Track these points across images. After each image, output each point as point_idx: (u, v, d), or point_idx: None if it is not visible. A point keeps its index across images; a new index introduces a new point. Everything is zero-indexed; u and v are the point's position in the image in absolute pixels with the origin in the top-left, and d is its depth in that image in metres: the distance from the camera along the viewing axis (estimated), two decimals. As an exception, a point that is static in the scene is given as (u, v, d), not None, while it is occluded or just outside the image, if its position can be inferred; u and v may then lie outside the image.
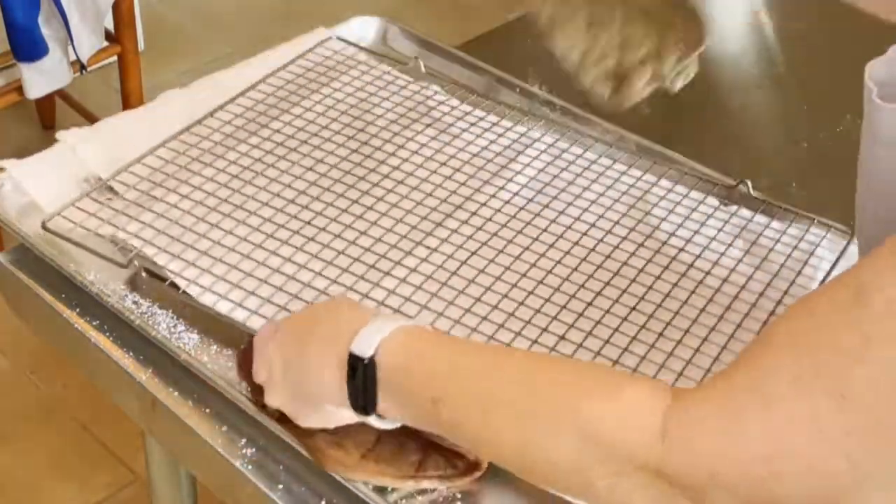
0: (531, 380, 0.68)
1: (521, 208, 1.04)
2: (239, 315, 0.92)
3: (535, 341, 0.90)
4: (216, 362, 0.90)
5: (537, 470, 0.68)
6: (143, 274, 0.96)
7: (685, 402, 0.61)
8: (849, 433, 0.55)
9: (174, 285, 0.94)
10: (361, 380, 0.72)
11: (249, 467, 0.85)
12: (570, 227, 1.02)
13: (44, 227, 0.99)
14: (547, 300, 0.94)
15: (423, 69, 1.21)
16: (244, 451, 0.86)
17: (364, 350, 0.72)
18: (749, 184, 1.05)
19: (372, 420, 0.75)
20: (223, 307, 0.92)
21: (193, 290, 0.94)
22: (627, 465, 0.61)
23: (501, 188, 1.06)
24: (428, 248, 0.99)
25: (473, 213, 1.03)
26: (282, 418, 0.82)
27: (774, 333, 0.60)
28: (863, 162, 0.73)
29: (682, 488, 0.60)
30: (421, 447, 0.81)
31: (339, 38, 1.26)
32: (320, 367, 0.75)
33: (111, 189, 1.04)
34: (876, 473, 0.56)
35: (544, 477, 0.68)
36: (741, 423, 0.58)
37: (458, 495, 0.81)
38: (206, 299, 0.93)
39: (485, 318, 0.92)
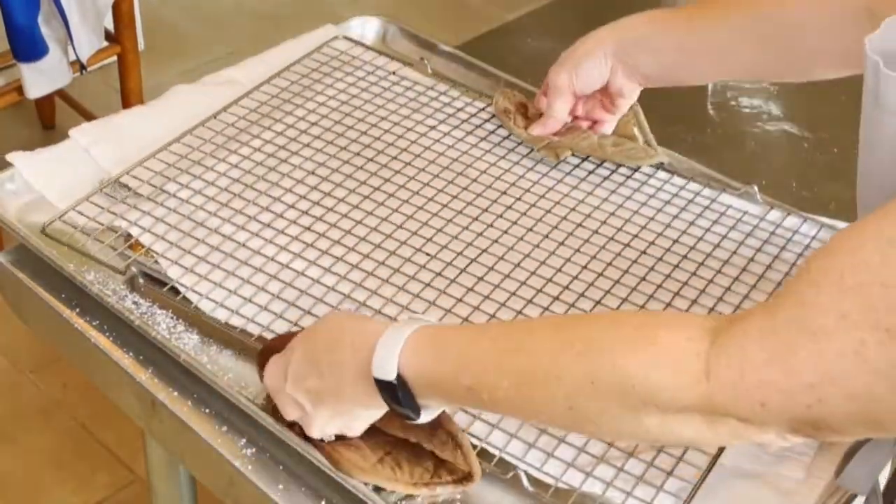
0: (560, 344, 0.69)
1: (532, 205, 1.04)
2: (236, 322, 0.92)
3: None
4: (216, 362, 0.90)
5: (587, 429, 0.71)
6: (141, 280, 0.96)
7: (726, 341, 0.63)
8: (894, 365, 0.58)
9: (174, 290, 0.95)
10: (397, 397, 0.74)
11: (249, 467, 0.85)
12: (580, 225, 1.03)
13: (43, 232, 0.99)
14: (556, 298, 0.94)
15: (429, 70, 1.21)
16: (244, 451, 0.86)
17: (387, 373, 0.73)
18: (756, 188, 1.05)
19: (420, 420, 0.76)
20: (221, 314, 0.93)
21: (192, 297, 0.94)
22: (673, 407, 0.64)
23: (505, 191, 1.06)
24: (428, 254, 0.99)
25: (481, 214, 1.03)
26: (294, 424, 0.82)
27: (817, 270, 0.62)
28: (867, 136, 0.74)
29: (730, 417, 0.63)
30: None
31: (346, 38, 1.26)
32: (354, 380, 0.76)
33: (118, 188, 1.04)
34: None
35: (593, 432, 0.75)
36: (789, 357, 0.60)
37: (458, 496, 0.81)
38: (204, 306, 0.93)
39: (493, 316, 0.93)
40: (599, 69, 1.04)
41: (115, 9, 2.19)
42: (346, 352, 0.76)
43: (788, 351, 0.61)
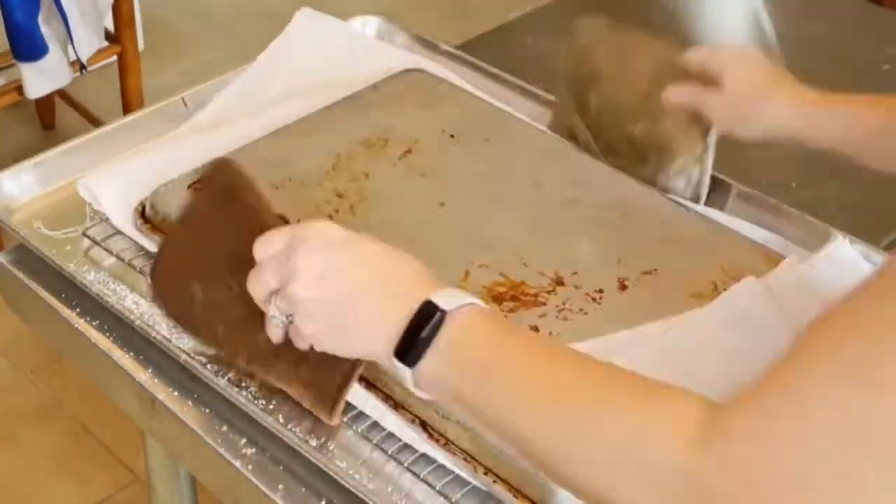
0: (570, 389, 0.68)
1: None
2: None
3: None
4: (216, 362, 0.90)
5: (568, 481, 0.67)
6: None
7: (723, 409, 0.61)
8: (883, 428, 0.56)
9: None
10: (425, 329, 0.70)
11: (249, 467, 0.85)
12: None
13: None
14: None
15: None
16: (244, 451, 0.86)
17: (446, 302, 0.70)
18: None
19: (407, 377, 0.72)
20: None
21: None
22: (656, 476, 0.61)
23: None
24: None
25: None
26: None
27: (811, 337, 0.60)
28: None
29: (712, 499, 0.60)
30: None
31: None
32: (380, 311, 0.73)
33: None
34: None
35: (574, 486, 0.67)
36: (774, 428, 0.58)
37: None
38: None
39: None
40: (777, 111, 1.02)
41: (115, 9, 2.19)
42: (402, 277, 0.73)
43: (773, 420, 0.59)
